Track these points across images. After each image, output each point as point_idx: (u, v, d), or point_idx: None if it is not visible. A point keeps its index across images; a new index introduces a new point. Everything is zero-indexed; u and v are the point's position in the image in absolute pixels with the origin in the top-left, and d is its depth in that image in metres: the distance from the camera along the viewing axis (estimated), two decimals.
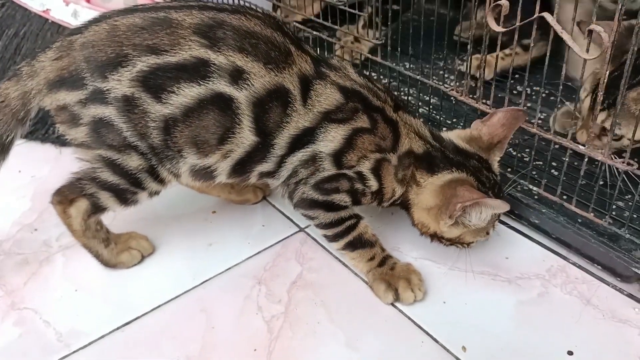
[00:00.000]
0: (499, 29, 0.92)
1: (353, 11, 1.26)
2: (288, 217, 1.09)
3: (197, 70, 0.81)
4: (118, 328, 0.88)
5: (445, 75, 1.41)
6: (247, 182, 0.93)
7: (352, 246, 0.94)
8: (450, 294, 0.93)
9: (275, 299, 0.93)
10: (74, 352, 0.85)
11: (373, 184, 0.90)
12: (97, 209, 0.92)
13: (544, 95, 1.25)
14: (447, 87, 1.15)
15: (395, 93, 0.99)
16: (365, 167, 0.89)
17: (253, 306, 0.92)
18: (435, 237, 0.94)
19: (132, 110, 0.83)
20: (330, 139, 0.87)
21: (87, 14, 1.28)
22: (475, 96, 1.09)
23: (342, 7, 1.25)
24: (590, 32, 0.81)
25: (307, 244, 1.04)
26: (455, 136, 0.95)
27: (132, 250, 0.98)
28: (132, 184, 0.89)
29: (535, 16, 0.87)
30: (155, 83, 0.82)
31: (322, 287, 0.95)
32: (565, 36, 0.84)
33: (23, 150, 1.26)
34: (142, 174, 0.88)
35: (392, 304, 0.92)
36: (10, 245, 1.03)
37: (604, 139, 0.98)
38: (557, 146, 0.98)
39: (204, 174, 0.90)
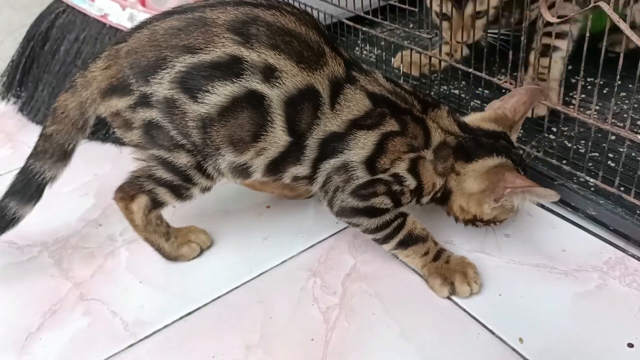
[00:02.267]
0: (553, 19, 0.91)
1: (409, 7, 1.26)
2: None
3: (231, 68, 0.83)
4: (181, 318, 0.92)
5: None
6: (281, 181, 0.94)
7: (404, 245, 0.95)
8: (505, 287, 0.93)
9: (330, 290, 0.95)
10: (140, 340, 0.89)
11: (411, 182, 0.91)
12: (156, 204, 0.96)
13: (600, 85, 1.23)
14: (499, 80, 1.14)
15: (423, 92, 0.99)
16: (400, 169, 0.90)
17: (309, 297, 0.94)
18: (473, 221, 0.95)
19: (173, 112, 0.86)
20: (361, 147, 0.88)
21: (143, 17, 1.33)
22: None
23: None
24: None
25: (360, 237, 1.05)
26: (479, 119, 0.96)
27: (191, 243, 1.02)
28: (184, 180, 0.93)
29: (591, 5, 0.86)
30: (192, 83, 0.84)
31: (375, 280, 0.97)
32: (622, 25, 0.83)
33: (85, 150, 1.31)
34: (191, 171, 0.91)
35: (447, 297, 0.92)
36: (77, 240, 1.08)
37: None
38: (613, 137, 0.97)
39: (241, 171, 0.92)
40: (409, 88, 0.95)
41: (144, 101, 0.86)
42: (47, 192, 0.97)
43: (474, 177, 0.91)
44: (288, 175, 0.92)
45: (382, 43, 1.58)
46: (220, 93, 0.83)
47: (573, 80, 1.32)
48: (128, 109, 0.88)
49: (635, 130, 1.14)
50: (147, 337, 0.89)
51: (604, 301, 0.90)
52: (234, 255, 1.03)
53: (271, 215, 1.12)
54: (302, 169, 0.90)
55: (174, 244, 1.00)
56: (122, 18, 1.35)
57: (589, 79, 1.35)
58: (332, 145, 0.88)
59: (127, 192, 0.96)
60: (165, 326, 0.91)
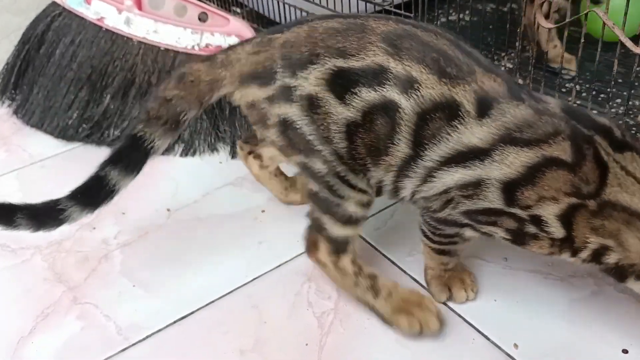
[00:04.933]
0: (548, 25, 0.92)
1: None
2: None
3: (376, 76, 0.78)
4: (174, 322, 0.91)
5: None
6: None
7: (441, 253, 0.90)
8: (501, 292, 0.93)
9: (325, 295, 0.95)
10: (133, 344, 0.88)
11: (556, 231, 0.74)
12: (334, 244, 0.89)
13: (593, 93, 1.23)
14: None
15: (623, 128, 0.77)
16: (548, 212, 0.73)
17: (303, 302, 0.94)
18: None
19: (315, 111, 0.81)
20: (507, 164, 0.73)
21: (139, 21, 1.33)
22: None
23: None
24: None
25: (355, 242, 1.04)
26: None
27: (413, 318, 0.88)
28: (329, 191, 0.85)
29: (586, 11, 0.86)
30: (340, 84, 0.79)
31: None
32: (617, 31, 0.83)
33: (80, 153, 1.31)
34: (331, 179, 0.84)
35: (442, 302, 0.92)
36: (71, 244, 1.08)
37: None
38: None
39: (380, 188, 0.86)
40: (604, 121, 0.76)
41: (285, 95, 0.82)
42: (40, 194, 0.96)
43: None
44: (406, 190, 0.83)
45: None
46: (363, 98, 0.79)
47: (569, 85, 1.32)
48: (266, 100, 0.84)
49: None
50: (140, 341, 0.89)
51: (599, 307, 0.90)
52: (229, 260, 1.02)
53: (266, 220, 1.12)
54: (414, 182, 0.81)
55: (385, 306, 0.88)
56: (119, 21, 1.35)
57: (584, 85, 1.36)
58: (466, 158, 0.76)
59: (309, 240, 0.91)
60: (159, 330, 0.90)
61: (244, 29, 1.32)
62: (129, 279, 0.99)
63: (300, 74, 0.81)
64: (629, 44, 0.82)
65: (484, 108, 0.75)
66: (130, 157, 0.88)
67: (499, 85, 0.76)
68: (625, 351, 0.83)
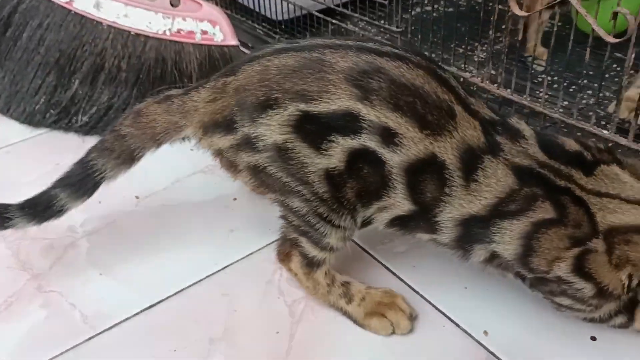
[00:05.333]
0: (521, 13, 0.92)
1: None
2: None
3: (348, 124, 0.74)
4: (142, 311, 0.89)
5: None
6: (413, 237, 0.84)
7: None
8: (471, 280, 0.93)
9: (297, 283, 0.93)
10: (99, 333, 0.86)
11: (584, 286, 0.72)
12: (308, 260, 0.86)
13: (565, 84, 1.24)
14: (469, 74, 1.15)
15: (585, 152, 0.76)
16: (562, 271, 0.72)
17: (275, 290, 0.93)
18: None
19: (286, 160, 0.77)
20: (508, 241, 0.73)
21: (109, 4, 1.30)
22: (496, 83, 1.09)
23: None
24: (615, 14, 0.80)
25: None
26: None
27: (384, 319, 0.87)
28: (310, 227, 0.82)
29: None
30: (309, 130, 0.75)
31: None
32: (590, 19, 0.84)
33: (47, 139, 1.28)
34: (312, 218, 0.81)
35: (413, 289, 0.92)
36: (36, 231, 1.04)
37: None
38: (579, 134, 0.97)
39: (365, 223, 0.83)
40: (575, 147, 0.75)
41: (250, 144, 0.78)
42: (5, 181, 0.94)
43: None
44: (420, 237, 0.82)
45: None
46: (346, 145, 0.74)
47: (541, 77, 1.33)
48: (231, 149, 0.81)
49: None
50: (106, 330, 0.87)
51: None
52: (199, 248, 1.01)
53: (238, 208, 1.10)
54: (440, 239, 0.79)
55: (358, 310, 0.86)
56: (88, 5, 1.32)
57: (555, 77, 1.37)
58: (476, 229, 0.74)
59: (281, 251, 0.90)
60: (126, 319, 0.88)
61: (216, 15, 1.30)
62: (95, 267, 0.97)
63: (260, 120, 0.77)
64: (602, 33, 0.82)
65: (469, 170, 0.73)
66: (80, 183, 0.88)
67: (478, 132, 0.74)
68: (593, 338, 0.84)
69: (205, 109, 0.83)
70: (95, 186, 0.88)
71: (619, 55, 1.14)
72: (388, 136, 0.72)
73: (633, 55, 0.82)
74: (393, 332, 0.85)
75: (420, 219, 0.77)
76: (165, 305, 0.91)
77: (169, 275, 0.95)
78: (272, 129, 0.76)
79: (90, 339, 0.85)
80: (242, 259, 0.98)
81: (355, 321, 0.87)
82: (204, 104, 0.83)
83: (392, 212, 0.79)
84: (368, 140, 0.73)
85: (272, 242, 1.01)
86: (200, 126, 0.84)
